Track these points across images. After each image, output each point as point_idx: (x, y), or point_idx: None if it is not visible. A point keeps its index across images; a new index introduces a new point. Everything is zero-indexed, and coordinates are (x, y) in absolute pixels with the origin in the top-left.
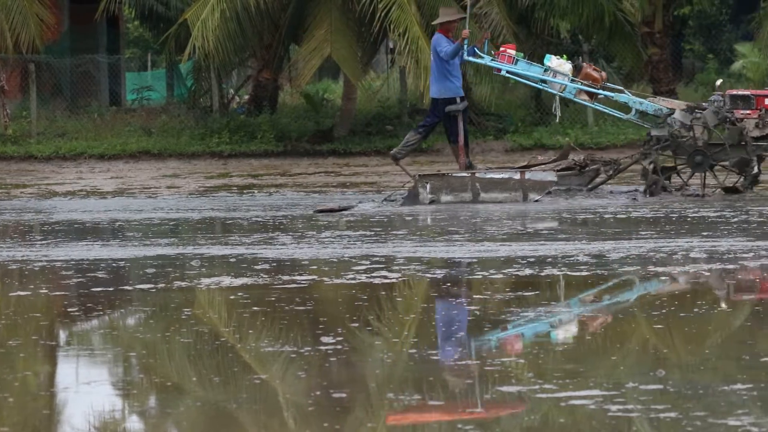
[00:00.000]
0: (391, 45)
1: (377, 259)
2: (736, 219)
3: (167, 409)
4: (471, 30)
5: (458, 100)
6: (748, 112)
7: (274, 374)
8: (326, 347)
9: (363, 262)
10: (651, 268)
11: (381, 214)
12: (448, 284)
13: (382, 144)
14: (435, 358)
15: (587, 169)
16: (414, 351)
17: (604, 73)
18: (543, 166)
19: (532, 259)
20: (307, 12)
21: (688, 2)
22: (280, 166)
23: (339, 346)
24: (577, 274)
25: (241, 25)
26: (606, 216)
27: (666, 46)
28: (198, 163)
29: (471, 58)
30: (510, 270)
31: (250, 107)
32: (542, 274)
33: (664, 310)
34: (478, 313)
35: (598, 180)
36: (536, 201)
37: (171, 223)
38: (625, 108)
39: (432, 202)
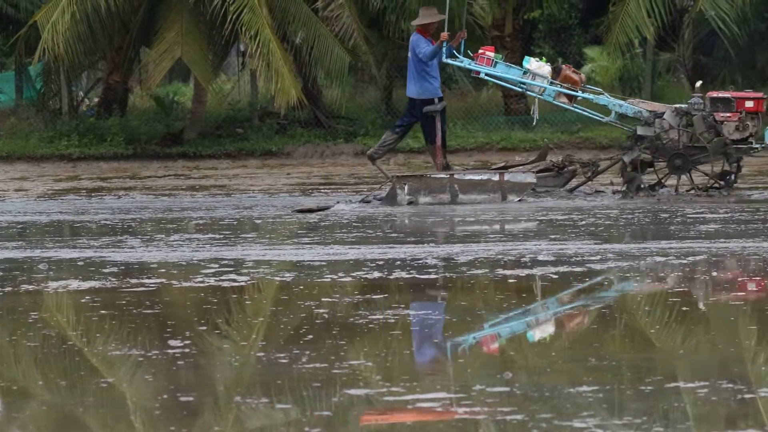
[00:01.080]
0: (242, 48)
1: (226, 262)
2: (584, 222)
3: (12, 414)
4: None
5: (436, 100)
6: (728, 114)
7: (121, 378)
8: (174, 351)
9: (212, 265)
10: (499, 271)
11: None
12: (300, 287)
13: (232, 147)
14: (283, 361)
15: (565, 170)
16: (262, 354)
17: (583, 75)
18: (521, 167)
19: (381, 263)
20: (158, 14)
21: (538, 6)
22: (130, 169)
23: (187, 350)
24: (426, 277)
25: (91, 27)
26: (456, 219)
27: (516, 49)
28: (47, 166)
29: (449, 60)
30: (359, 273)
31: (99, 110)
32: (391, 277)
33: (511, 313)
34: (326, 316)
35: (575, 182)
36: (518, 201)
37: (19, 227)
38: (604, 110)
39: (410, 203)
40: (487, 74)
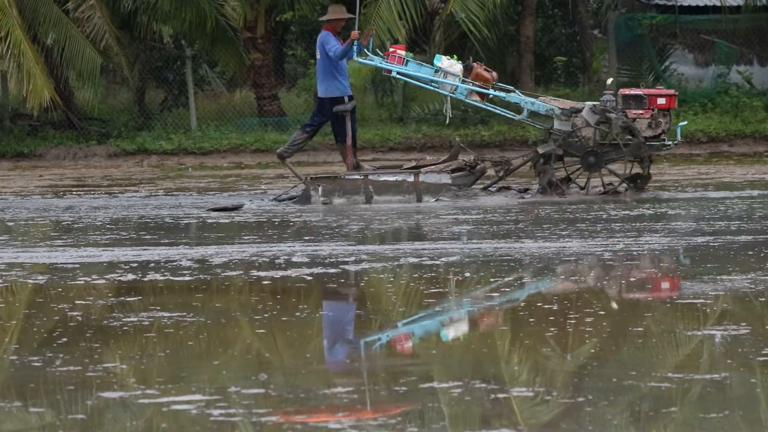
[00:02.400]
0: None
1: None
2: (337, 224)
3: None
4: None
5: (346, 99)
6: (640, 112)
7: None
8: None
9: None
10: (254, 272)
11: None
12: (54, 290)
13: None
14: (37, 364)
15: (476, 168)
16: (15, 357)
17: (494, 73)
18: (434, 167)
19: (134, 265)
20: None
21: (290, 8)
22: None
23: None
24: (180, 279)
25: None
26: (209, 221)
27: (269, 51)
28: None
29: (360, 59)
30: (113, 275)
31: None
32: (145, 279)
33: (266, 315)
34: (80, 318)
35: (486, 180)
36: (435, 201)
37: None
38: (516, 108)
39: (325, 204)
40: (398, 73)
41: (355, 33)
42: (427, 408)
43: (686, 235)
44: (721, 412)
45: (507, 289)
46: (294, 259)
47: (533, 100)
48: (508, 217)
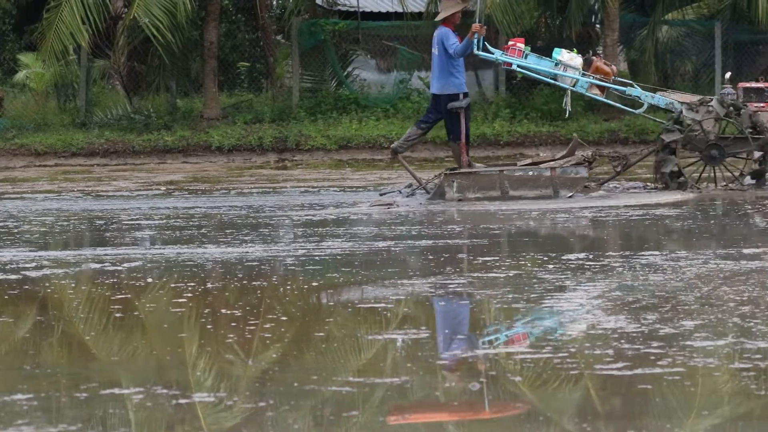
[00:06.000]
0: None
1: None
2: (17, 229)
3: None
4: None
5: (461, 96)
6: (762, 104)
7: None
8: None
9: None
10: None
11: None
12: None
13: None
14: None
15: (593, 164)
16: None
17: (614, 67)
18: (553, 163)
19: None
20: None
21: None
22: None
23: None
24: None
25: None
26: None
27: None
28: None
29: (481, 53)
30: None
31: None
32: None
33: None
34: None
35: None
36: (569, 197)
37: None
38: (636, 102)
39: (460, 200)
40: (519, 66)
41: (476, 26)
42: (108, 414)
43: (368, 240)
44: (401, 415)
45: (190, 295)
46: None
47: (652, 94)
48: (191, 223)
